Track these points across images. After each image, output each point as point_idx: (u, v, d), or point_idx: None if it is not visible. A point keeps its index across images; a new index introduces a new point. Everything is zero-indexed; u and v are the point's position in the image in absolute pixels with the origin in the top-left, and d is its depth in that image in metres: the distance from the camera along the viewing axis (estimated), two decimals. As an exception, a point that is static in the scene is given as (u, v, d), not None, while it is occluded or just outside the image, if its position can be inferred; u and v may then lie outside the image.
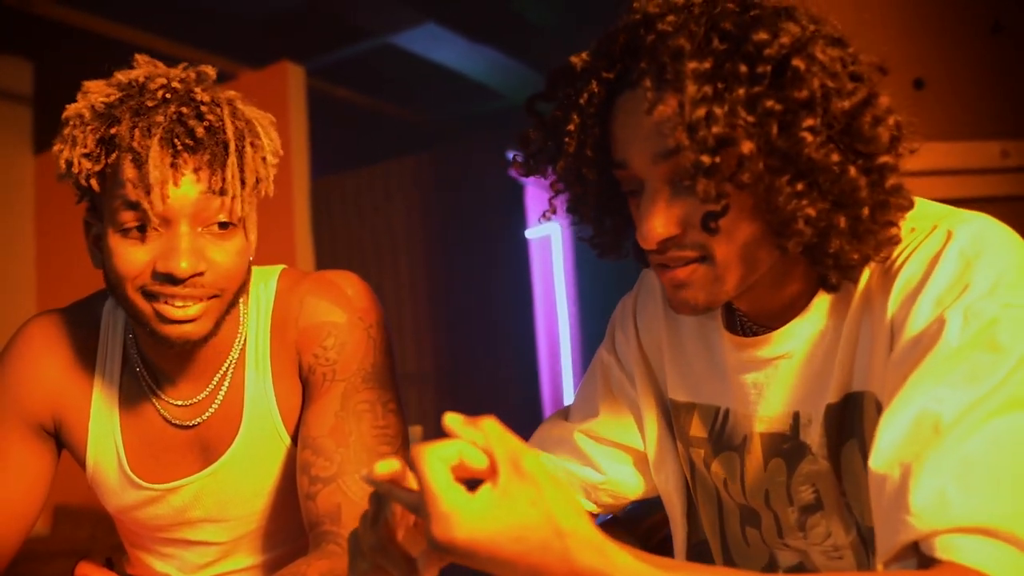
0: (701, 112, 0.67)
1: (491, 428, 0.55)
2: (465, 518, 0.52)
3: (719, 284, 0.76)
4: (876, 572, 0.65)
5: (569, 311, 6.94)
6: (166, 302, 0.93)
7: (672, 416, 0.96)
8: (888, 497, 0.64)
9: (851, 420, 0.78)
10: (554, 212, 0.86)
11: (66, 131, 0.93)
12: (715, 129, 0.67)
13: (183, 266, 0.91)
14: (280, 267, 1.15)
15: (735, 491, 0.90)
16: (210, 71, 0.99)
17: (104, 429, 1.09)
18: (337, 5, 3.89)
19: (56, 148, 0.94)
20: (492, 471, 0.55)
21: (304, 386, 1.09)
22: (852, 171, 0.69)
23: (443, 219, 4.46)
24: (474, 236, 4.47)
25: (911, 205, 0.74)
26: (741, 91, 0.68)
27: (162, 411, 1.09)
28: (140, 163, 0.90)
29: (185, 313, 0.94)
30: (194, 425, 1.09)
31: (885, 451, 0.66)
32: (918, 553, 0.62)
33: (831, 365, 0.79)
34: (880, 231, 0.73)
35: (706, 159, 0.68)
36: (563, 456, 1.03)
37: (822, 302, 0.80)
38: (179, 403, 1.09)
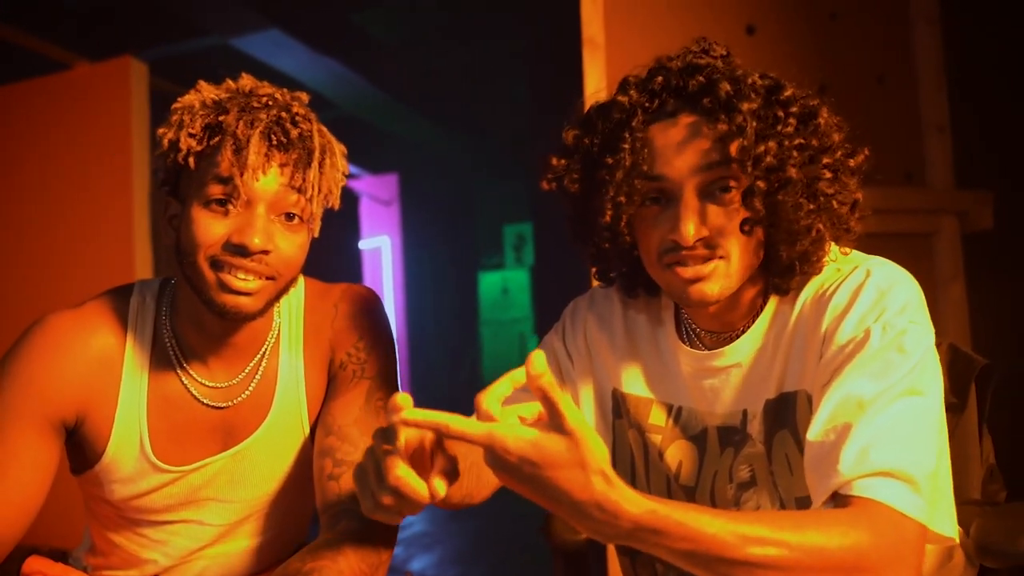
0: (762, 147, 0.89)
1: (549, 382, 0.71)
2: (519, 441, 0.70)
3: (729, 280, 0.95)
4: (812, 510, 0.86)
5: (397, 318, 7.04)
6: (230, 272, 1.05)
7: (627, 406, 1.11)
8: (824, 454, 0.85)
9: (784, 413, 0.98)
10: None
11: (174, 117, 1.05)
12: (769, 159, 0.89)
13: (255, 241, 1.03)
14: (300, 276, 1.26)
15: (687, 472, 1.06)
16: (304, 96, 1.12)
17: (130, 418, 1.13)
18: (178, 1, 3.79)
19: (160, 132, 1.06)
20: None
21: (330, 380, 1.21)
22: (834, 203, 0.96)
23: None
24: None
25: (858, 230, 1.01)
26: (781, 129, 0.90)
27: (194, 391, 1.15)
28: (240, 148, 1.02)
29: (244, 285, 1.05)
30: (224, 407, 1.16)
31: (821, 423, 0.86)
32: (837, 498, 0.83)
33: (772, 370, 0.99)
34: (839, 248, 0.99)
35: (762, 184, 0.90)
36: None
37: (763, 320, 1.01)
38: (212, 384, 1.16)
